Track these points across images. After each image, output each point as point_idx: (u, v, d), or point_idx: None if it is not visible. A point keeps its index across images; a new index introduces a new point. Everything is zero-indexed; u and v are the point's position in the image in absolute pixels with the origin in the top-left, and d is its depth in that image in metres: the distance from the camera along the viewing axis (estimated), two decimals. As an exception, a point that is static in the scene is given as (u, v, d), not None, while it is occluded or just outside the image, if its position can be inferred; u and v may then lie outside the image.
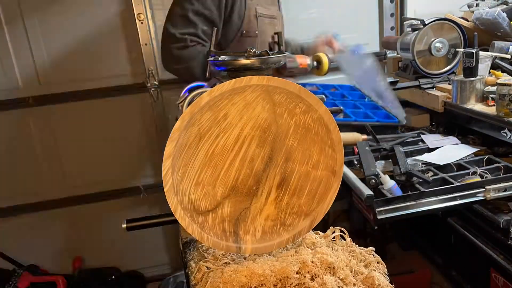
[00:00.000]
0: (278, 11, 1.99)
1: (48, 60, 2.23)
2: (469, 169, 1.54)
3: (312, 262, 0.83)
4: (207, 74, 1.58)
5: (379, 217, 1.35)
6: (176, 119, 0.81)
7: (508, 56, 1.85)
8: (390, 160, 1.66)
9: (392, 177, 1.49)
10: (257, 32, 1.82)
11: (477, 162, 1.61)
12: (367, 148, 1.68)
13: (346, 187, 1.50)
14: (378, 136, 1.81)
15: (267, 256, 0.91)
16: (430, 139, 1.84)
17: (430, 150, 1.76)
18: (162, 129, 2.39)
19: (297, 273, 0.81)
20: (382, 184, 1.48)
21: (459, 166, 1.60)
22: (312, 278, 0.81)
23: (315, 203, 0.92)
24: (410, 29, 2.08)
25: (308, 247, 0.92)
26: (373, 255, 0.93)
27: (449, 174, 1.52)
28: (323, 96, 1.36)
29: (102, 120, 2.33)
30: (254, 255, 0.90)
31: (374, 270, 0.87)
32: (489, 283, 1.62)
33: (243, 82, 0.81)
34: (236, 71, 1.52)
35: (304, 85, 1.74)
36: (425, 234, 2.15)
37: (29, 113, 2.29)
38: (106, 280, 2.42)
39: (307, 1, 2.38)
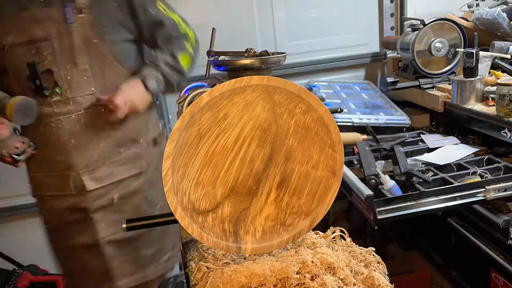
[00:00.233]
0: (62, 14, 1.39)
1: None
2: (469, 169, 1.54)
3: (312, 262, 0.83)
4: (207, 74, 1.57)
5: (379, 217, 1.35)
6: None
7: (508, 56, 1.85)
8: (390, 160, 1.66)
9: (392, 177, 1.49)
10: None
11: (477, 162, 1.61)
12: (367, 148, 1.68)
13: (346, 187, 1.50)
14: (378, 136, 1.82)
15: (267, 256, 0.91)
16: (430, 139, 1.84)
17: (430, 150, 1.76)
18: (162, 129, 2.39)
19: (297, 273, 0.81)
20: (382, 184, 1.48)
21: (459, 166, 1.60)
22: (312, 278, 0.81)
23: (315, 203, 0.92)
24: (410, 29, 2.08)
25: (308, 247, 0.92)
26: (373, 255, 0.93)
27: (449, 174, 1.52)
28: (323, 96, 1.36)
29: (102, 120, 2.32)
30: (254, 255, 0.90)
31: (374, 270, 0.87)
32: (489, 283, 1.62)
33: (243, 82, 0.80)
34: (236, 71, 1.52)
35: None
36: (425, 234, 2.15)
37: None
38: (106, 280, 2.41)
39: (307, 1, 2.38)
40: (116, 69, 1.50)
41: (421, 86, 2.01)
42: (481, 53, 1.73)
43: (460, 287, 1.85)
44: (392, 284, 0.85)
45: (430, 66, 2.04)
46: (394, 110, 2.08)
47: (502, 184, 1.39)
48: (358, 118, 1.94)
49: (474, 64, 1.69)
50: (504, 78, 1.66)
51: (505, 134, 1.53)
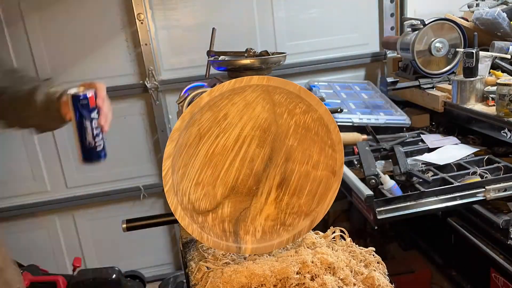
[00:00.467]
0: None
1: (48, 61, 2.23)
2: (469, 169, 1.54)
3: (312, 262, 0.83)
4: (207, 74, 1.56)
5: (379, 217, 1.35)
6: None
7: (508, 56, 1.85)
8: (390, 160, 1.66)
9: (392, 177, 1.49)
10: None
11: (477, 162, 1.61)
12: (367, 148, 1.68)
13: (346, 187, 1.50)
14: (378, 136, 1.82)
15: (267, 256, 0.91)
16: (430, 139, 1.84)
17: (430, 150, 1.76)
18: (162, 129, 2.39)
19: (297, 273, 0.81)
20: (382, 184, 1.48)
21: (459, 166, 1.60)
22: (312, 278, 0.81)
23: (315, 203, 0.92)
24: (410, 29, 2.08)
25: (308, 247, 0.92)
26: (373, 255, 0.93)
27: (449, 174, 1.52)
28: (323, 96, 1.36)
29: (102, 120, 2.32)
30: (254, 255, 0.90)
31: (374, 270, 0.87)
32: (489, 283, 1.62)
33: (243, 82, 0.80)
34: (236, 71, 1.52)
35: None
36: (425, 234, 2.15)
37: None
38: (106, 280, 2.42)
39: (307, 1, 2.38)
40: None
41: (421, 86, 2.01)
42: (481, 53, 1.73)
43: (460, 287, 1.85)
44: (392, 284, 0.85)
45: (430, 66, 2.04)
46: (394, 110, 2.08)
47: (502, 184, 1.39)
48: (358, 118, 1.94)
49: (474, 64, 1.69)
50: (504, 78, 1.66)
51: (505, 134, 1.53)
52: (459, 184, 1.43)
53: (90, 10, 2.21)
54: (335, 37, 2.45)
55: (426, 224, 2.05)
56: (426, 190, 1.39)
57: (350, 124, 1.92)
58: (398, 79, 2.08)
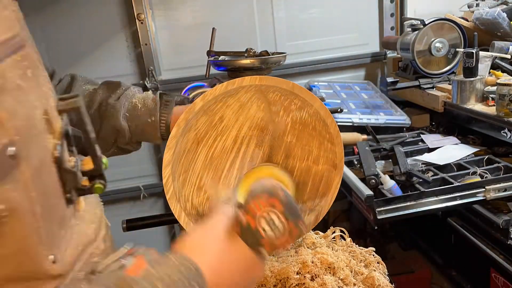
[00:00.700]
0: None
1: (48, 61, 2.23)
2: (469, 169, 1.54)
3: (312, 262, 0.83)
4: (207, 74, 1.56)
5: (379, 217, 1.34)
6: None
7: (508, 56, 1.85)
8: (390, 160, 1.66)
9: (392, 177, 1.49)
10: None
11: (477, 162, 1.61)
12: (367, 148, 1.68)
13: (346, 187, 1.50)
14: (378, 136, 1.81)
15: (267, 256, 0.90)
16: (430, 139, 1.84)
17: (430, 150, 1.76)
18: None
19: (297, 273, 0.81)
20: (382, 184, 1.48)
21: (459, 166, 1.60)
22: (312, 279, 0.81)
23: (318, 198, 0.91)
24: (410, 29, 2.08)
25: (308, 247, 0.92)
26: (373, 255, 0.93)
27: (449, 174, 1.52)
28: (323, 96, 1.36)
29: (102, 120, 2.32)
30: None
31: (374, 270, 0.87)
32: (489, 283, 1.62)
33: (235, 84, 0.79)
34: (236, 71, 1.52)
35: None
36: (425, 234, 2.15)
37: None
38: (106, 280, 2.42)
39: (307, 1, 2.38)
40: None
41: (421, 86, 2.01)
42: (481, 53, 1.73)
43: (460, 287, 1.85)
44: (392, 284, 0.85)
45: (430, 66, 2.04)
46: (394, 110, 2.08)
47: (502, 184, 1.39)
48: (358, 118, 1.94)
49: (474, 64, 1.69)
50: (504, 78, 1.66)
51: (505, 134, 1.53)
52: (459, 184, 1.43)
53: (90, 10, 2.21)
54: (335, 37, 2.45)
55: (426, 224, 2.05)
56: (426, 190, 1.39)
57: (350, 124, 1.92)
58: (398, 79, 2.08)
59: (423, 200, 1.38)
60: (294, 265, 0.82)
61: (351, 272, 0.85)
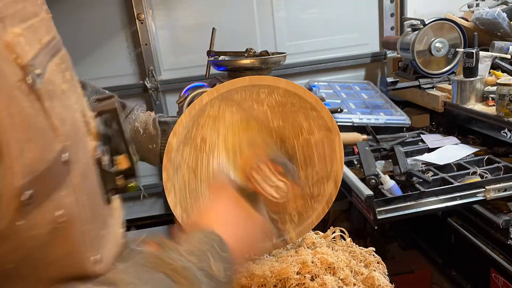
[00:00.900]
0: None
1: (48, 60, 2.23)
2: (469, 169, 1.54)
3: (312, 262, 0.83)
4: (207, 74, 1.56)
5: (379, 217, 1.35)
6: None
7: (508, 56, 1.85)
8: (390, 160, 1.66)
9: (392, 177, 1.49)
10: None
11: (477, 162, 1.61)
12: (367, 148, 1.68)
13: (346, 187, 1.50)
14: (378, 136, 1.81)
15: (267, 257, 0.91)
16: (430, 139, 1.84)
17: (430, 150, 1.76)
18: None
19: (297, 273, 0.81)
20: (382, 184, 1.48)
21: (459, 166, 1.60)
22: (312, 279, 0.81)
23: (329, 164, 0.91)
24: (410, 29, 2.08)
25: (308, 247, 0.92)
26: (373, 255, 0.93)
27: (449, 174, 1.52)
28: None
29: (102, 120, 2.32)
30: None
31: (374, 270, 0.87)
32: (489, 283, 1.62)
33: (196, 107, 0.80)
34: (236, 71, 1.52)
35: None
36: (425, 234, 2.15)
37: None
38: (106, 280, 2.42)
39: (307, 1, 2.38)
40: None
41: (421, 86, 2.01)
42: (481, 53, 1.73)
43: (460, 287, 1.85)
44: (392, 284, 0.85)
45: (430, 66, 2.04)
46: (394, 110, 2.08)
47: (502, 184, 1.39)
48: (358, 118, 1.94)
49: (474, 64, 1.69)
50: (504, 78, 1.66)
51: (505, 134, 1.53)
52: (459, 184, 1.43)
53: (90, 10, 2.21)
54: (335, 37, 2.45)
55: (426, 224, 2.05)
56: (426, 190, 1.39)
57: (350, 124, 1.92)
58: (398, 79, 2.08)
59: (423, 200, 1.38)
60: (294, 265, 0.82)
61: (351, 272, 0.85)
